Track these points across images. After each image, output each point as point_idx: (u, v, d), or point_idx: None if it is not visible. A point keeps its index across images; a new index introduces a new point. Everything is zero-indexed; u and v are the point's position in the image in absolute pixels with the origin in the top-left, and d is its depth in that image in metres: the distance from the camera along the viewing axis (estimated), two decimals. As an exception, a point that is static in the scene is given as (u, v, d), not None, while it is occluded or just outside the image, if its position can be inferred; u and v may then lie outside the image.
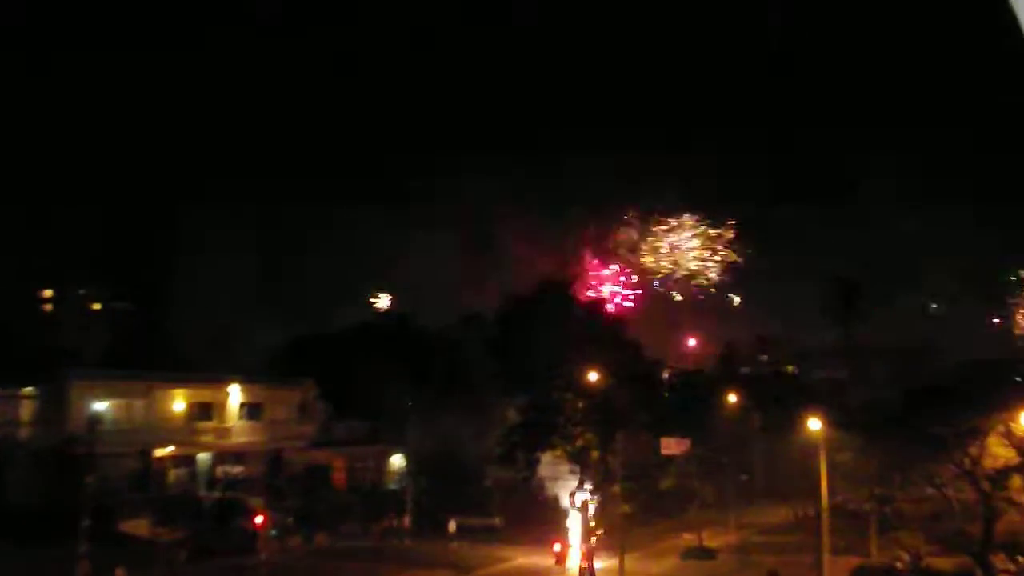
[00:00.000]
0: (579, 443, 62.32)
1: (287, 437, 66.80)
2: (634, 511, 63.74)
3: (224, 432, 64.30)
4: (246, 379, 66.15)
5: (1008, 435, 53.94)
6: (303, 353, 73.55)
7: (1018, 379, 65.07)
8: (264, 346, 75.99)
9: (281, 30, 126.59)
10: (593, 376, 62.97)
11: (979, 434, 53.67)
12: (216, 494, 59.37)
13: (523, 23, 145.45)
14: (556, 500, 64.82)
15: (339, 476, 67.72)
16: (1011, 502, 54.62)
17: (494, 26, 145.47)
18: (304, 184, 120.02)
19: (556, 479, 64.41)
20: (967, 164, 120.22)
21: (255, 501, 56.37)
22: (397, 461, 70.18)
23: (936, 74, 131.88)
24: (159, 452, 59.91)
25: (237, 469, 62.92)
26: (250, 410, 66.16)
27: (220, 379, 64.89)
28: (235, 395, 65.25)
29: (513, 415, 65.67)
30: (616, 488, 63.11)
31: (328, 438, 69.00)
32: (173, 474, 61.52)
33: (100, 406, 57.08)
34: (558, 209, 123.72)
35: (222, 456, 63.79)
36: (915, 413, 58.88)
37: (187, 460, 62.58)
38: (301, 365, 70.61)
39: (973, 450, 53.42)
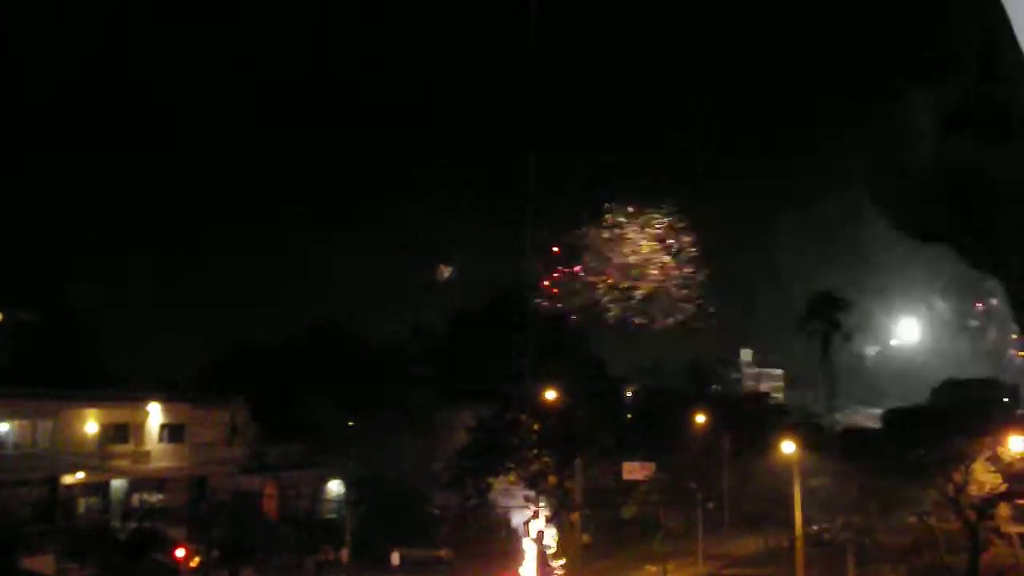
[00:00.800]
0: (535, 467, 61.50)
1: (213, 461, 64.02)
2: (594, 541, 63.07)
3: (142, 456, 61.22)
4: (168, 397, 63.28)
5: (995, 460, 53.09)
6: (233, 370, 71.06)
7: (1005, 399, 64.47)
8: (190, 362, 73.80)
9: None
10: (551, 395, 62.13)
11: (964, 459, 52.89)
12: (132, 525, 56.71)
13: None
14: (509, 529, 63.43)
15: (271, 504, 65.01)
16: (998, 533, 54.25)
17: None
18: (240, 184, 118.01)
19: (510, 506, 63.37)
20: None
21: (176, 532, 54.17)
22: (335, 487, 68.09)
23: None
24: (68, 479, 56.81)
25: (156, 497, 60.46)
26: (172, 432, 63.18)
27: (138, 397, 61.88)
28: (155, 415, 62.22)
29: (463, 436, 63.83)
30: (575, 516, 61.70)
31: (259, 462, 66.53)
32: (83, 503, 58.50)
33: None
34: (514, 215, 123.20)
35: (139, 483, 60.82)
36: (895, 436, 58.45)
37: (100, 488, 59.42)
38: (230, 382, 67.96)
39: (957, 476, 52.69)
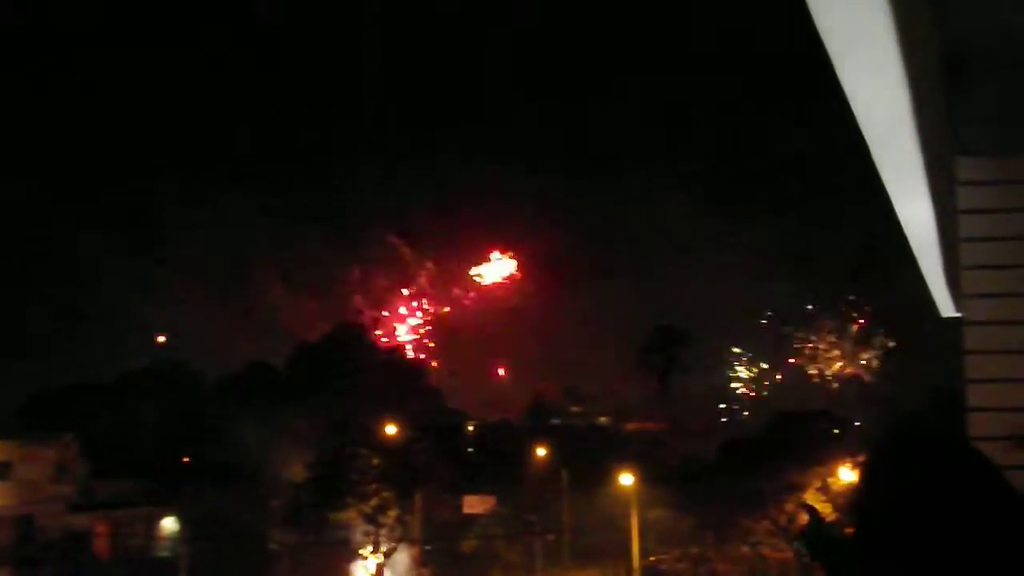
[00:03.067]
0: (374, 502, 63.24)
1: (41, 500, 64.30)
2: (433, 575, 66.55)
3: None
4: None
5: (826, 490, 58.77)
6: (62, 405, 71.69)
7: (836, 431, 69.77)
8: (14, 397, 74.25)
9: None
10: (390, 429, 64.66)
11: (796, 489, 58.38)
12: None
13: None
14: (348, 565, 65.95)
15: (102, 543, 66.08)
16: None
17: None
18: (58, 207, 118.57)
19: (349, 542, 65.32)
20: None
21: (3, 573, 55.65)
22: (169, 525, 69.35)
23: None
24: None
25: None
26: None
27: None
28: None
29: (301, 472, 65.71)
30: (414, 551, 65.52)
31: (90, 500, 67.20)
32: (-101, 545, 58.56)
33: None
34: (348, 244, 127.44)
35: None
36: (731, 467, 63.11)
37: (-83, 528, 59.72)
38: (58, 418, 68.78)
39: (789, 506, 58.04)
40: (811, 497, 59.07)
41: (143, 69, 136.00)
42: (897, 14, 4.45)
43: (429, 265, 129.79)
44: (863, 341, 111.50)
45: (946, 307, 9.05)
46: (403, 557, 66.72)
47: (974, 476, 2.51)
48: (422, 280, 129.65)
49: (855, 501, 2.73)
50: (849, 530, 2.82)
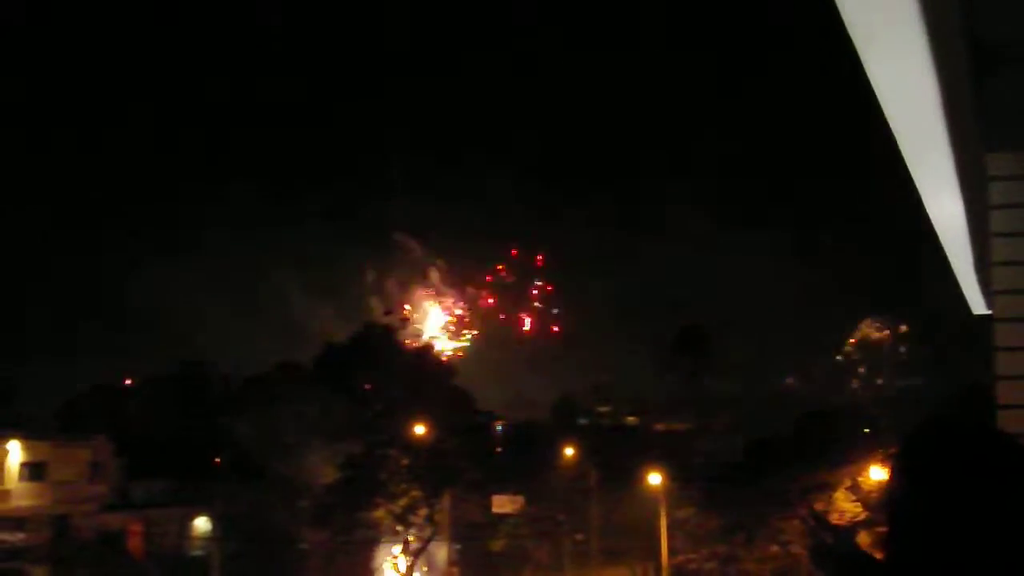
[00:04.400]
0: (403, 502, 63.41)
1: (76, 500, 65.22)
2: (462, 574, 66.89)
3: (1, 495, 62.52)
4: (28, 435, 64.64)
5: (855, 489, 58.45)
6: (97, 406, 72.33)
7: (866, 430, 69.44)
8: (52, 398, 74.71)
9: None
10: (419, 429, 64.60)
11: (825, 488, 58.25)
12: None
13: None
14: (378, 565, 66.28)
15: (136, 542, 66.60)
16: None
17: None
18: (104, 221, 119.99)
19: (379, 541, 65.65)
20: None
21: (38, 572, 56.17)
22: (202, 524, 69.80)
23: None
24: (-77, 520, 57.58)
25: (17, 536, 61.24)
26: (32, 470, 64.46)
27: None
28: (15, 453, 63.67)
29: (331, 472, 65.82)
30: (444, 551, 65.57)
31: (123, 500, 68.07)
32: (-60, 544, 59.21)
33: None
34: (383, 250, 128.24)
35: None
36: (759, 467, 62.91)
37: (-44, 529, 60.32)
38: (94, 419, 69.37)
39: (819, 505, 57.72)
40: (841, 496, 58.99)
41: (171, 73, 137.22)
42: (924, 5, 4.37)
43: (440, 263, 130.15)
44: (898, 340, 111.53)
45: (977, 304, 8.95)
46: (432, 557, 66.74)
47: (1009, 470, 2.43)
48: (437, 280, 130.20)
49: (886, 499, 2.67)
50: (880, 529, 2.74)
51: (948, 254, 7.96)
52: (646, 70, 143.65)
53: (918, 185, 6.44)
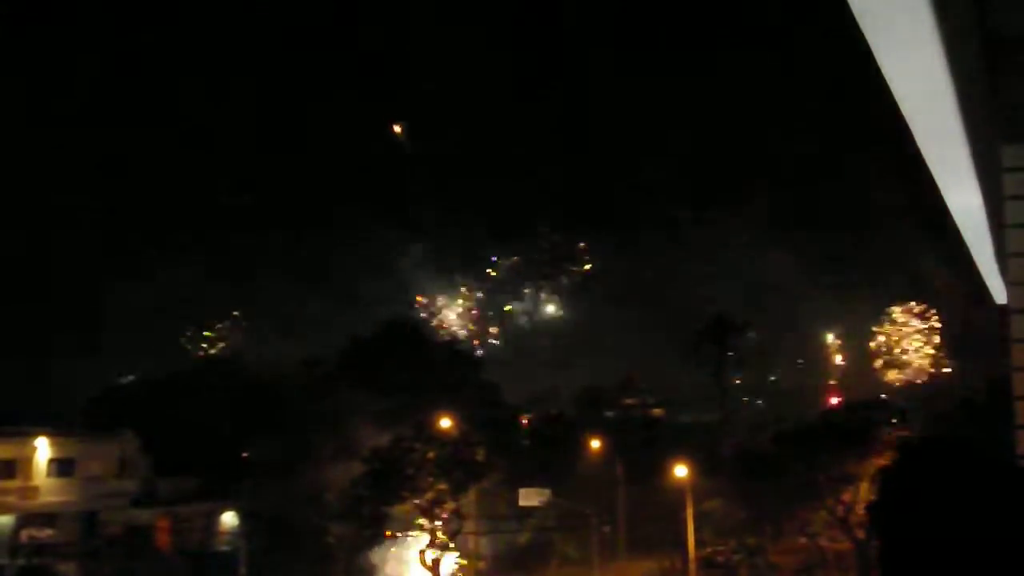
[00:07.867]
0: (430, 495, 63.09)
1: (104, 495, 65.55)
2: (490, 567, 67.14)
3: (30, 491, 63.00)
4: (56, 431, 65.13)
5: None
6: (125, 401, 72.62)
7: (894, 421, 68.94)
8: (80, 394, 74.90)
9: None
10: (446, 422, 64.46)
11: (853, 480, 57.77)
12: (20, 561, 58.56)
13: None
14: (406, 558, 65.95)
15: (163, 537, 66.87)
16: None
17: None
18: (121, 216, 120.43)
19: (406, 535, 65.31)
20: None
21: (67, 568, 56.55)
22: (229, 519, 69.90)
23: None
24: (-48, 517, 58.07)
25: (46, 532, 61.93)
26: (61, 466, 64.91)
27: (25, 432, 63.80)
28: (43, 449, 64.07)
29: (358, 465, 65.36)
30: (470, 543, 65.50)
31: (151, 495, 68.27)
32: (-30, 541, 59.70)
33: None
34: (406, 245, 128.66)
35: (28, 518, 62.62)
36: (786, 458, 62.57)
37: (-14, 524, 60.78)
38: (122, 415, 69.59)
39: (847, 497, 57.67)
40: (869, 488, 58.59)
41: (198, 85, 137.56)
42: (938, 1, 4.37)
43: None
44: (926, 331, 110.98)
45: (1000, 294, 8.89)
46: (460, 550, 66.47)
47: (989, 495, 2.46)
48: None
49: (872, 514, 2.70)
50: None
51: (969, 246, 7.94)
52: (665, 69, 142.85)
53: (936, 178, 6.43)
